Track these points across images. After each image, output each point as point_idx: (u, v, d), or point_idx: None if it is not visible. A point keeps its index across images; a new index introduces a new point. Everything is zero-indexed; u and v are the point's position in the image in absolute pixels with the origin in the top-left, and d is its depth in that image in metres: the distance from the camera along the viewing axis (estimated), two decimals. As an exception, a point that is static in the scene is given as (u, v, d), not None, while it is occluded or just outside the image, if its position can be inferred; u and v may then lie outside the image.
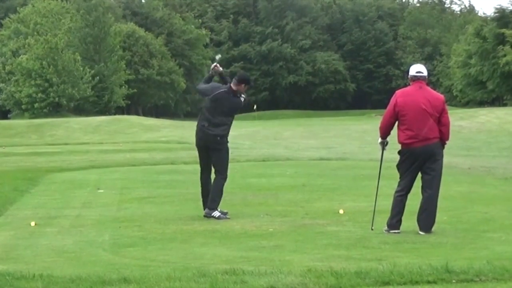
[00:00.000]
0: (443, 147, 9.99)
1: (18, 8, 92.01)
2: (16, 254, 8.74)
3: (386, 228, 9.90)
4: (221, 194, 11.58)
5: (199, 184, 11.89)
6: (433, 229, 9.76)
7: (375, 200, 10.32)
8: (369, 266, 7.22)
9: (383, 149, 10.35)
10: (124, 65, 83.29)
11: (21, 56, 74.65)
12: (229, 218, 11.28)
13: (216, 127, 11.50)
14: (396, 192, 10.02)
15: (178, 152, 28.77)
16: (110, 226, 10.75)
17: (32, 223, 10.91)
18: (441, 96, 10.09)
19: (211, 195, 11.50)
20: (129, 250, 8.91)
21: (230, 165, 11.80)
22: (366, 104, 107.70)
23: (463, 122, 43.83)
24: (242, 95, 11.72)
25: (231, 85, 11.64)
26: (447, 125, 9.88)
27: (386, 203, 10.19)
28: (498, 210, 11.46)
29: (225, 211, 11.56)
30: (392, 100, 9.91)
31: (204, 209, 11.58)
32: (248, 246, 8.98)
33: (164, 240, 9.51)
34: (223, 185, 11.62)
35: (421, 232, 9.71)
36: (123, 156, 26.71)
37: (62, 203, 13.62)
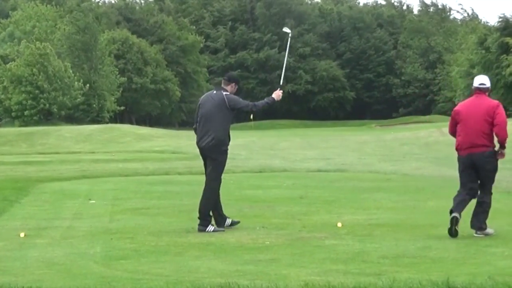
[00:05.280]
0: (499, 152, 10.38)
1: (10, 12, 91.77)
2: (5, 266, 8.63)
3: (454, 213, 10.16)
4: (211, 206, 11.16)
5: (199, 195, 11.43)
6: (480, 233, 10.26)
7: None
8: (367, 281, 7.18)
9: None
10: (117, 72, 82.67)
11: (10, 62, 73.87)
12: (223, 230, 11.08)
13: (205, 137, 11.12)
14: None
15: (172, 162, 28.60)
16: (101, 238, 10.63)
17: (22, 234, 10.79)
18: (495, 102, 10.55)
19: (202, 213, 11.13)
20: (121, 262, 8.80)
21: (225, 176, 11.54)
22: (365, 113, 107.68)
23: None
24: (226, 92, 11.28)
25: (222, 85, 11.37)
26: (500, 123, 10.26)
27: (385, 217, 10.01)
28: (500, 225, 11.28)
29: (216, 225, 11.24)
30: (454, 110, 10.75)
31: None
32: (244, 260, 8.85)
33: (157, 253, 9.40)
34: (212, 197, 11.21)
35: (475, 234, 10.30)
36: (115, 166, 26.50)
37: (52, 214, 13.45)
